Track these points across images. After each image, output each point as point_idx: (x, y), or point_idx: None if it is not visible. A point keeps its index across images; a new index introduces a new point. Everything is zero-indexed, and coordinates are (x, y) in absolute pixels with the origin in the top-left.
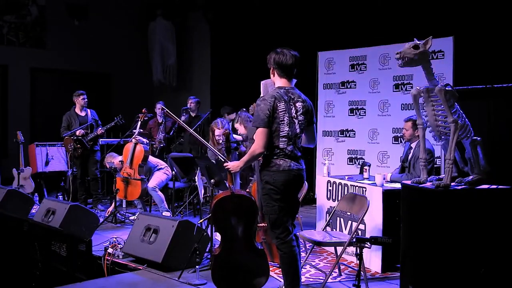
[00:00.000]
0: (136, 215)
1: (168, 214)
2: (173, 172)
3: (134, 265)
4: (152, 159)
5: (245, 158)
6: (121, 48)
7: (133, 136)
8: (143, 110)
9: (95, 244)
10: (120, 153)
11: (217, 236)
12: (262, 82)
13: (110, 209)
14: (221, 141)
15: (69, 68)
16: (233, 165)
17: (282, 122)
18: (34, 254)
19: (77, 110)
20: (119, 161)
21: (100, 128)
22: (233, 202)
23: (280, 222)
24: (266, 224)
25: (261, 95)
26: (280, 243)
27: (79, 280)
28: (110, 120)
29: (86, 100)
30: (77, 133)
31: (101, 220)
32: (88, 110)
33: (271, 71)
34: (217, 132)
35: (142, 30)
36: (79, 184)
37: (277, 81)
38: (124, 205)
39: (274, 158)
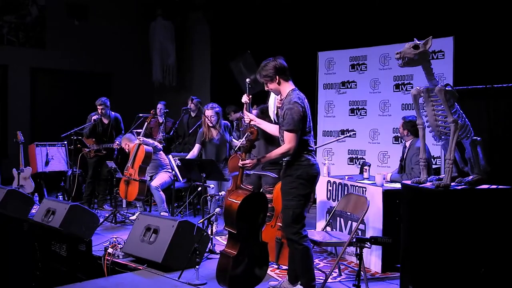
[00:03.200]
0: (136, 215)
1: (166, 214)
2: (173, 172)
3: (134, 265)
4: (164, 158)
5: (271, 155)
6: (121, 48)
7: (138, 137)
8: (152, 112)
9: (95, 244)
10: (124, 154)
11: (218, 236)
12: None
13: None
14: (212, 122)
15: (69, 68)
16: (251, 163)
17: (308, 119)
18: (34, 254)
19: (101, 116)
20: (130, 143)
21: (117, 143)
22: (252, 200)
23: (302, 216)
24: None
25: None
26: (300, 238)
27: (79, 280)
28: None
29: (102, 111)
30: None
31: (101, 220)
32: (112, 113)
33: (274, 81)
34: (207, 113)
35: (142, 30)
36: (87, 184)
37: (285, 86)
38: (124, 205)
39: (304, 153)
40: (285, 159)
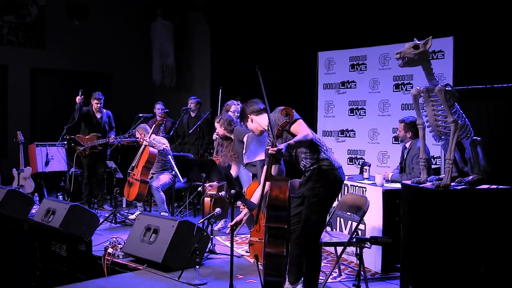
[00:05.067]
0: (136, 215)
1: (166, 214)
2: (173, 172)
3: (134, 265)
4: (171, 159)
5: (296, 139)
6: (121, 48)
7: (145, 138)
8: (161, 115)
9: (95, 244)
10: (132, 153)
11: (218, 236)
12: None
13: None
14: (219, 137)
15: (69, 68)
16: (280, 147)
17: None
18: (34, 254)
19: (94, 110)
20: (147, 136)
21: (112, 136)
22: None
23: (324, 224)
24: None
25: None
26: (318, 248)
27: (79, 280)
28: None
29: (99, 105)
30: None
31: (101, 220)
32: (104, 111)
33: (250, 121)
34: (232, 108)
35: (142, 30)
36: (85, 184)
37: (262, 117)
38: (124, 205)
39: (329, 157)
40: (313, 167)
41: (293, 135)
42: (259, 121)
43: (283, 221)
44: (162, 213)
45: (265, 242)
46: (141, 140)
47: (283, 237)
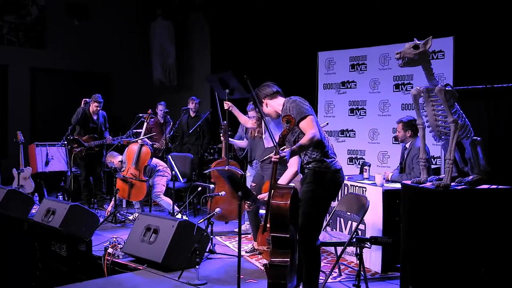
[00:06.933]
0: (135, 215)
1: (179, 216)
2: (173, 172)
3: (134, 265)
4: (157, 161)
5: (301, 142)
6: (121, 48)
7: (140, 137)
8: (149, 111)
9: (95, 244)
10: (120, 153)
11: (218, 236)
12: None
13: (109, 208)
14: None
15: (69, 68)
16: (283, 154)
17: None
18: (34, 254)
19: (91, 112)
20: (119, 161)
21: (109, 138)
22: (294, 198)
23: (321, 225)
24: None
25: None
26: (315, 247)
27: (79, 280)
28: (110, 120)
29: (97, 109)
30: (86, 144)
31: (101, 220)
32: (100, 111)
33: (264, 105)
34: (250, 114)
35: (142, 30)
36: (83, 185)
37: (277, 101)
38: (124, 205)
39: (329, 158)
40: (309, 166)
41: (302, 132)
42: (274, 105)
43: (285, 230)
44: (177, 214)
45: (270, 251)
46: (118, 165)
47: (287, 246)
